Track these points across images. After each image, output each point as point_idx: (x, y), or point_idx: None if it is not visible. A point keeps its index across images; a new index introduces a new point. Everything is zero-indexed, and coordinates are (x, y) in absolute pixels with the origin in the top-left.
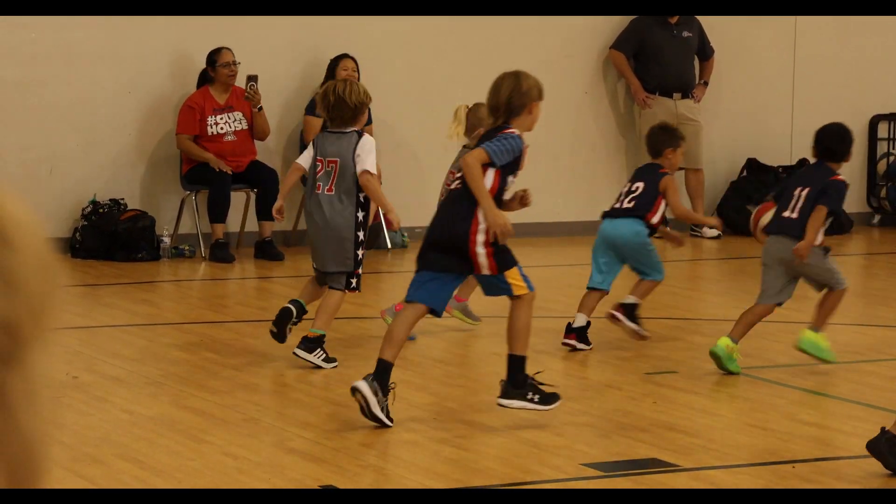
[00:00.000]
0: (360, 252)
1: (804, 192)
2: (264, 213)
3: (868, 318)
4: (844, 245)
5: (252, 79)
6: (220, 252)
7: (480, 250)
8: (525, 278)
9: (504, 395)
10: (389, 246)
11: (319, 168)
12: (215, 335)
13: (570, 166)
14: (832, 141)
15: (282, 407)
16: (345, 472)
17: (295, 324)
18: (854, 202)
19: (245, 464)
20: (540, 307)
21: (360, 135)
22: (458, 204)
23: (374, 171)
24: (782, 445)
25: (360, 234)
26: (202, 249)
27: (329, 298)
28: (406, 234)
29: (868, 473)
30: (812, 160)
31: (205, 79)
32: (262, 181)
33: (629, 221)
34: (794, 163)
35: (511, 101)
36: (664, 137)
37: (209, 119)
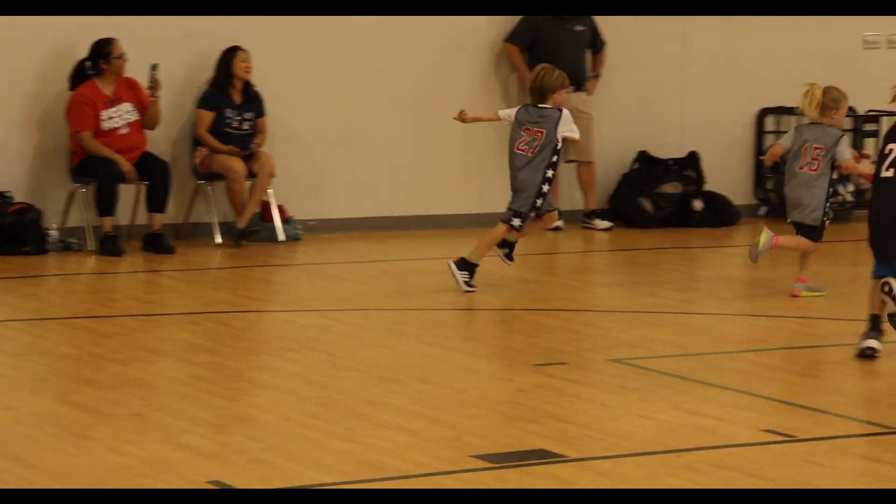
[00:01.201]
0: (538, 201)
1: None
2: (155, 205)
3: (754, 308)
4: (731, 237)
5: (154, 67)
6: (110, 245)
7: None
8: None
9: None
10: (283, 238)
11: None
12: (103, 330)
13: (462, 159)
14: None
15: (169, 402)
16: (234, 467)
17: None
18: (742, 194)
19: (132, 460)
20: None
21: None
22: None
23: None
24: (669, 435)
25: (544, 187)
26: (91, 243)
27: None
28: (300, 227)
29: (753, 463)
30: None
31: (81, 72)
32: (152, 174)
33: None
34: (684, 155)
35: None
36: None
37: (102, 114)
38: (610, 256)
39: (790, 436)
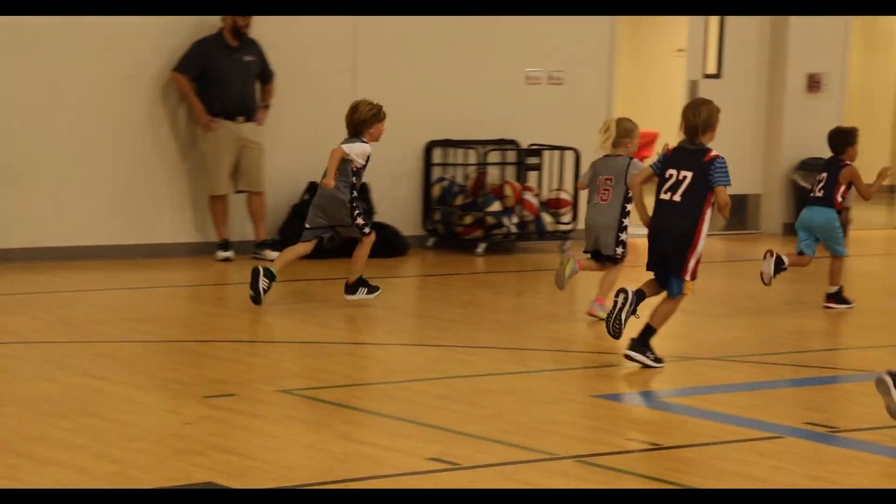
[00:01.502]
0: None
1: None
2: None
3: (420, 338)
4: (401, 267)
5: None
6: None
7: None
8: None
9: (630, 347)
10: None
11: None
12: None
13: (129, 189)
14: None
15: None
16: None
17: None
18: (410, 225)
19: None
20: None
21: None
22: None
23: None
24: (337, 465)
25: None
26: None
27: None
28: None
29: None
30: None
31: None
32: None
33: (821, 209)
34: None
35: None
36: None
37: None
38: (278, 287)
39: (455, 464)
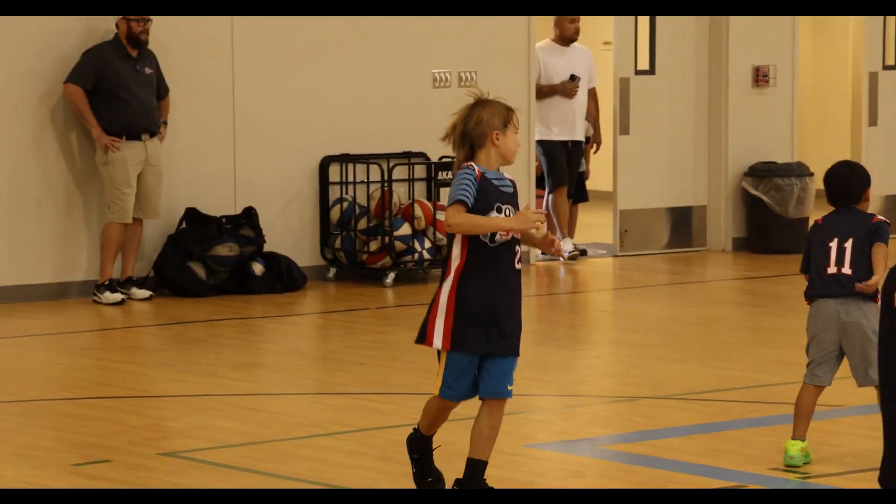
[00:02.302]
0: None
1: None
2: None
3: (325, 385)
4: (298, 303)
5: None
6: None
7: None
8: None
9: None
10: None
11: None
12: None
13: (7, 227)
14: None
15: None
16: None
17: None
18: (307, 254)
19: None
20: None
21: None
22: None
23: None
24: None
25: None
26: None
27: None
28: None
29: None
30: None
31: None
32: None
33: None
34: (239, 211)
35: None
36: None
37: None
38: (156, 331)
39: None
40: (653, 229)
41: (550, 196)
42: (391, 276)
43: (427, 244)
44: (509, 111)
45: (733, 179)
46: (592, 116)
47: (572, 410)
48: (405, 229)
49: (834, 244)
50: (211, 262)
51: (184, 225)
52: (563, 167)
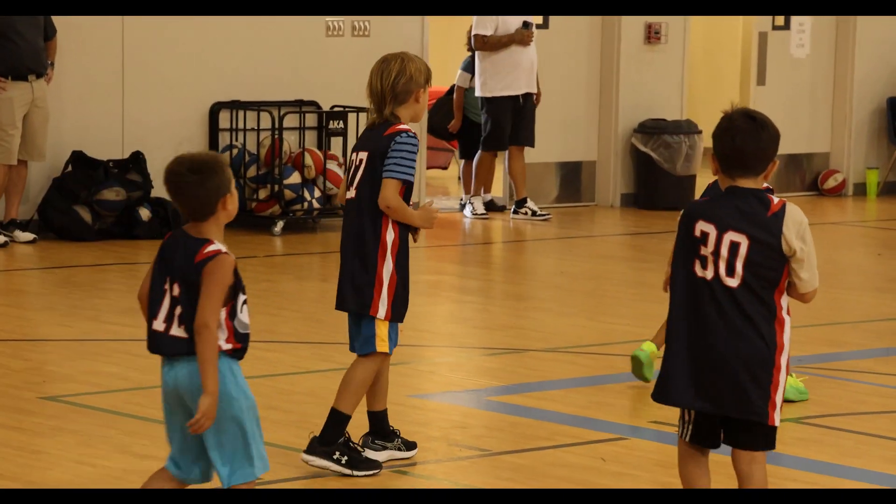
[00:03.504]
0: None
1: None
2: None
3: None
4: None
5: None
6: None
7: None
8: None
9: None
10: None
11: None
12: None
13: None
14: None
15: None
16: None
17: None
18: None
19: None
20: None
21: None
22: None
23: None
24: (114, 483)
25: None
26: None
27: None
28: None
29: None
30: None
31: None
32: None
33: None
34: (126, 156)
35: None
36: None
37: None
38: (39, 275)
39: None
40: (543, 184)
41: (479, 154)
42: (280, 224)
43: (317, 193)
44: (429, 69)
45: (623, 136)
46: None
47: (458, 362)
48: (295, 178)
49: None
50: (97, 206)
51: (70, 168)
52: (505, 130)
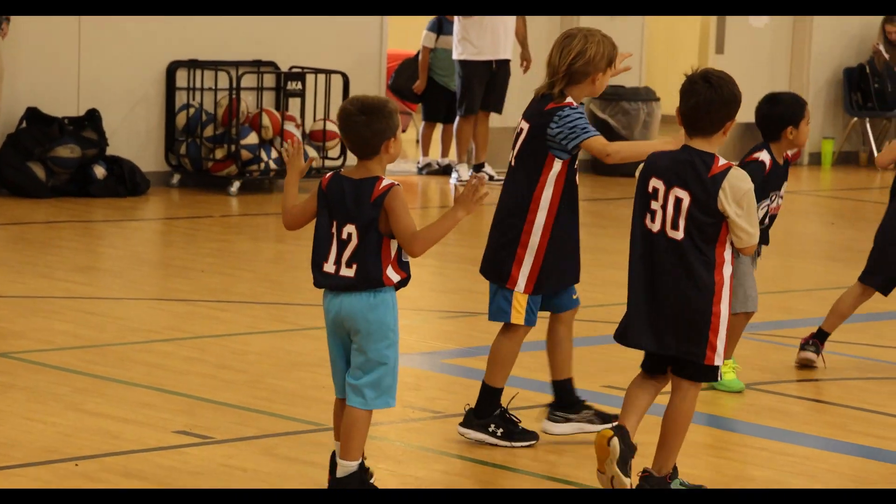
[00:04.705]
0: None
1: None
2: None
3: (164, 291)
4: (139, 208)
5: None
6: None
7: None
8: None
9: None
10: None
11: None
12: None
13: None
14: None
15: None
16: None
17: None
18: (151, 160)
19: None
20: None
21: None
22: None
23: None
24: (65, 440)
25: None
26: None
27: None
28: None
29: (163, 469)
30: None
31: None
32: None
33: None
34: (82, 113)
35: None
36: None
37: None
38: None
39: (207, 437)
40: (499, 149)
41: (458, 120)
42: (236, 184)
43: (274, 154)
44: (612, 52)
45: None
46: (521, 34)
47: (413, 325)
48: (252, 138)
49: None
50: (51, 163)
51: (24, 124)
52: (478, 93)
